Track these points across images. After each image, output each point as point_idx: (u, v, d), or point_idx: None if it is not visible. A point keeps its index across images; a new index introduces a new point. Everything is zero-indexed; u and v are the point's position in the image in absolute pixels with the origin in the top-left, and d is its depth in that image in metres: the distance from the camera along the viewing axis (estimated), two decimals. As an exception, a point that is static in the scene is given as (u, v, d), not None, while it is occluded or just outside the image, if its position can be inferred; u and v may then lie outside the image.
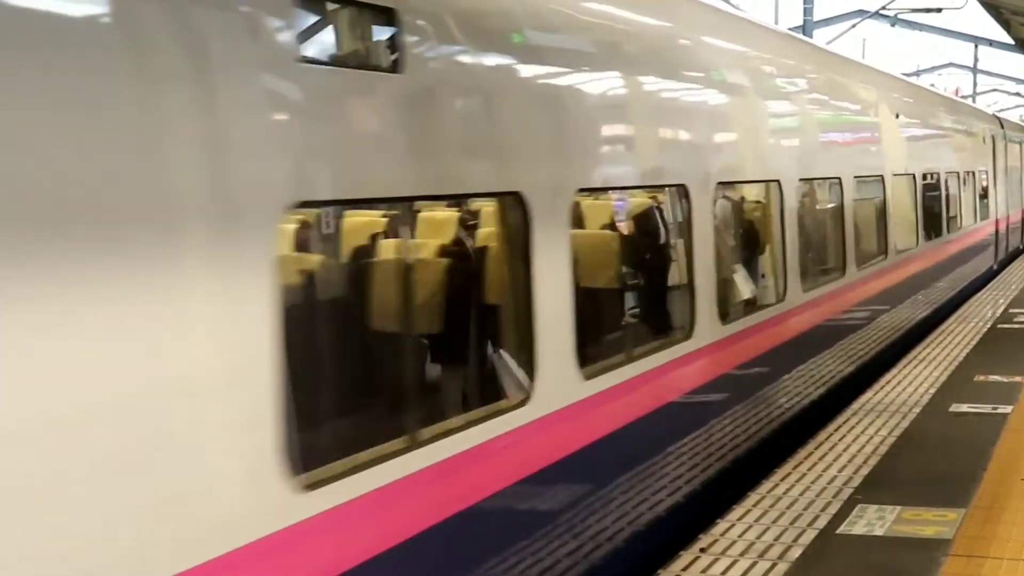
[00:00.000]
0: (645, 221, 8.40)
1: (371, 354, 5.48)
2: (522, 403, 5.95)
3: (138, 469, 3.60)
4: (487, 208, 6.34)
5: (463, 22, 5.56)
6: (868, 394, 11.20)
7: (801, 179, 10.87)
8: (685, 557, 6.77)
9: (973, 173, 22.37)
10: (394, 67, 4.98)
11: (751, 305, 9.69)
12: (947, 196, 19.14)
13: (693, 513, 7.98)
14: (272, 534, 4.12)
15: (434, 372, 5.89)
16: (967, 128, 23.00)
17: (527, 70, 6.13)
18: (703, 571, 6.55)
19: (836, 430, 9.78)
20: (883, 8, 34.52)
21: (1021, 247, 31.08)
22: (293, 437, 4.23)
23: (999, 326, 15.55)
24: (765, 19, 16.65)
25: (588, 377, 6.56)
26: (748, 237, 10.13)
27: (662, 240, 8.45)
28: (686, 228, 8.14)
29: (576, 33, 6.89)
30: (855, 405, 10.73)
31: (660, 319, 8.34)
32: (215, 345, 3.91)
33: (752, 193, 10.15)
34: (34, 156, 3.31)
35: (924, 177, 17.13)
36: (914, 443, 9.36)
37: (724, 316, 8.66)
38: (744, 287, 9.62)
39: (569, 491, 6.46)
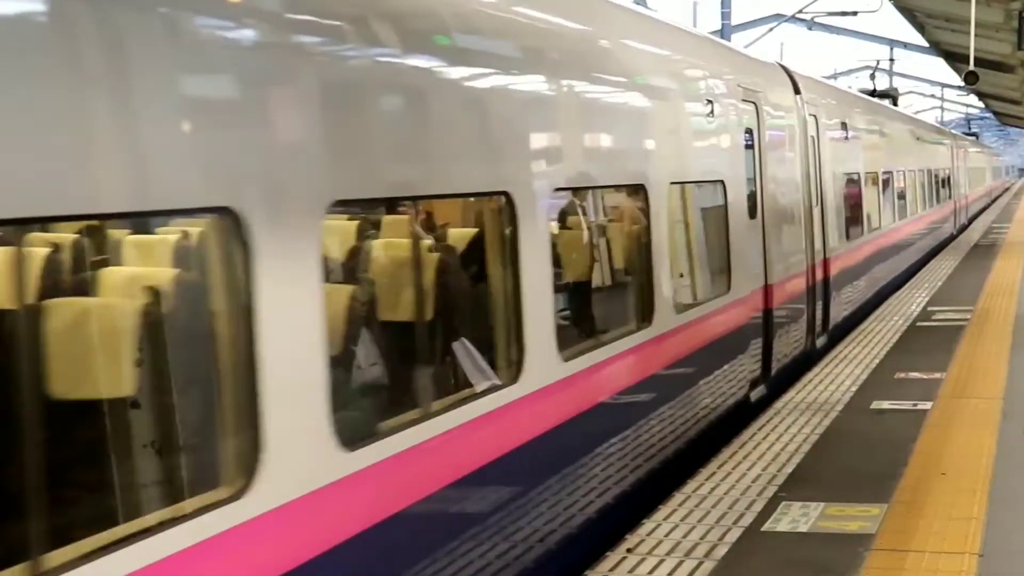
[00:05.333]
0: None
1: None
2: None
3: None
4: None
5: None
6: (791, 393, 11.29)
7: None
8: (612, 557, 6.78)
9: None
10: None
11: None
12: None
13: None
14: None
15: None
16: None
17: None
18: (630, 571, 6.56)
19: (760, 429, 9.85)
20: (800, 12, 34.90)
21: None
22: None
23: (918, 324, 15.75)
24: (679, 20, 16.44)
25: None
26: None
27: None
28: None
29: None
30: (778, 404, 10.81)
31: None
32: None
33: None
34: None
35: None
36: (836, 440, 9.45)
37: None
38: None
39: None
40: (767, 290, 11.79)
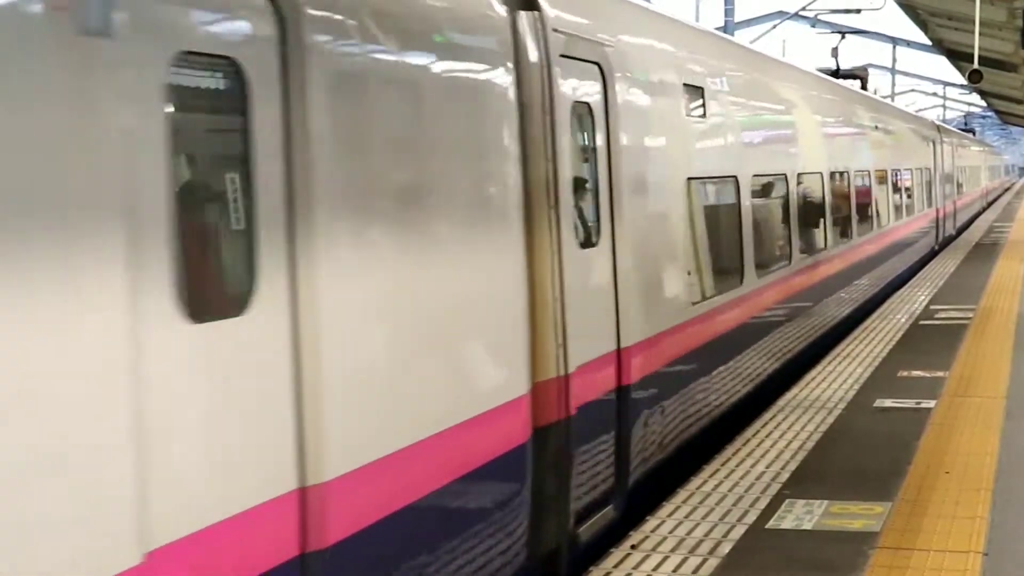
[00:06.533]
0: None
1: None
2: None
3: None
4: None
5: None
6: (794, 391, 11.29)
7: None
8: (616, 554, 6.77)
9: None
10: None
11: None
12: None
13: None
14: None
15: None
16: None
17: None
18: (635, 567, 6.56)
19: (763, 426, 9.84)
20: (803, 9, 34.89)
21: None
22: None
23: (921, 322, 15.74)
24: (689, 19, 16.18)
25: None
26: None
27: None
28: None
29: None
30: (781, 402, 10.81)
31: None
32: None
33: None
34: None
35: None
36: (840, 438, 9.44)
37: None
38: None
39: None
40: (324, 498, 4.45)
